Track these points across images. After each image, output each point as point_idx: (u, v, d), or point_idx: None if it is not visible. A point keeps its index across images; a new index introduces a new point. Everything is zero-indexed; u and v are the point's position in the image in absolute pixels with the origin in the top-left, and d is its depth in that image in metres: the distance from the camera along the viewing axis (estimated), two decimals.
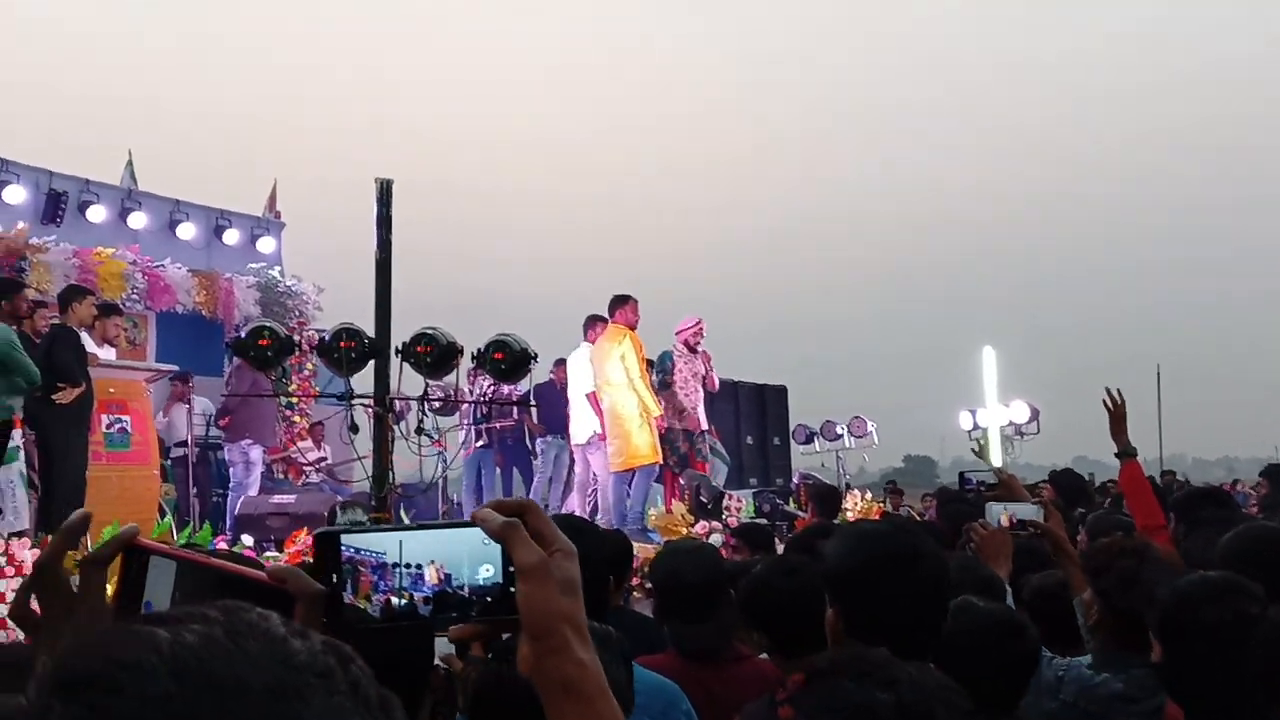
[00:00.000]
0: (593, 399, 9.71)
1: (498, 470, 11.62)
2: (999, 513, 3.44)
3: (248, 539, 7.90)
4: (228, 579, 0.88)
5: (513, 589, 0.89)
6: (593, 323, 9.65)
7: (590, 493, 10.00)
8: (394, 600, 0.91)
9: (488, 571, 0.91)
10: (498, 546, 0.90)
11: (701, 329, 9.88)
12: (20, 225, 10.84)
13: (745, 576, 2.82)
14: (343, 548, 0.90)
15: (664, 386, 9.65)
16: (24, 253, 10.77)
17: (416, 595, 0.91)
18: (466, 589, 0.91)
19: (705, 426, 10.12)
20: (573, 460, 11.06)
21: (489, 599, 0.91)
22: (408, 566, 0.91)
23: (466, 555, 0.92)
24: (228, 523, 9.47)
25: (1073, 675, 2.80)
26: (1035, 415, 19.30)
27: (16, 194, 11.52)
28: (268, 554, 7.80)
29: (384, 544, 0.91)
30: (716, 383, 10.38)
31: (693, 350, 9.82)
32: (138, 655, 0.60)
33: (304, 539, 7.79)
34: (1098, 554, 3.09)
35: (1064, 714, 2.69)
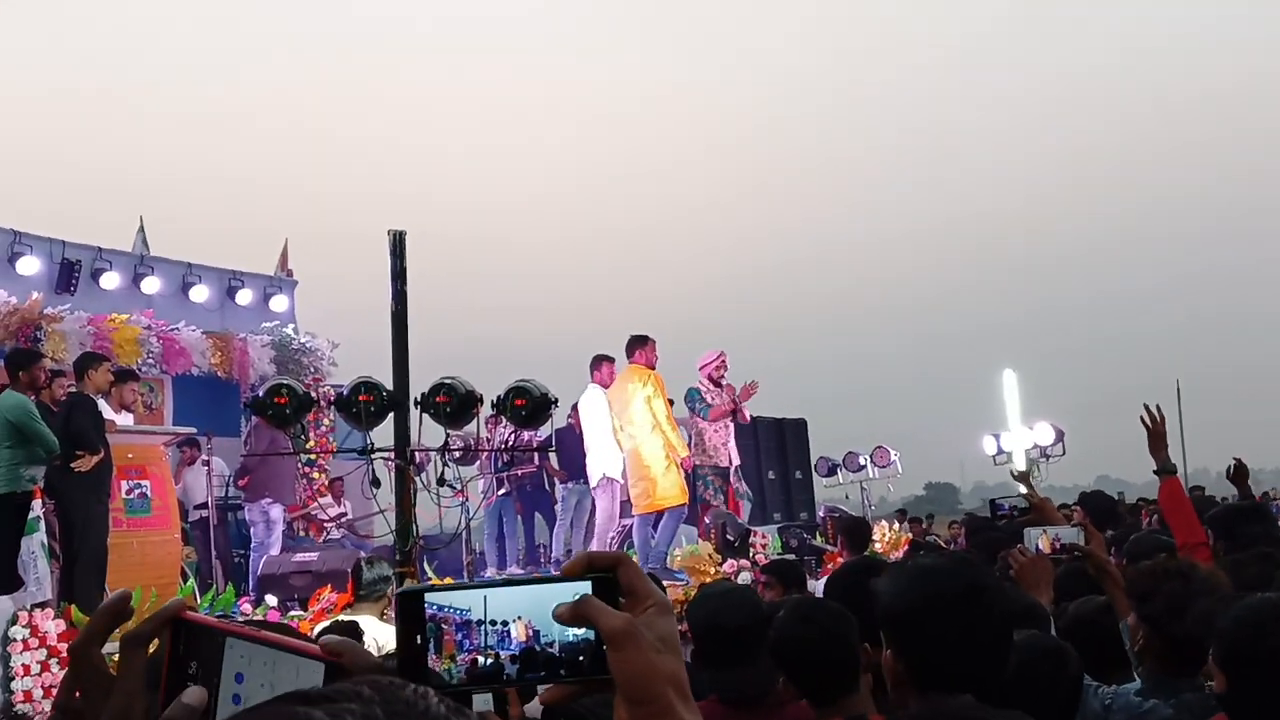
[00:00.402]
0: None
1: (519, 517, 11.54)
2: (1037, 537, 3.36)
3: (271, 599, 7.84)
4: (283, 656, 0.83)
5: (605, 646, 0.84)
6: (598, 363, 9.57)
7: (611, 537, 9.91)
8: (479, 660, 0.86)
9: (580, 629, 0.86)
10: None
11: (724, 362, 9.80)
12: (35, 295, 10.89)
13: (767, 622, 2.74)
14: (427, 606, 0.86)
15: (705, 420, 9.64)
16: (39, 323, 10.81)
17: (503, 654, 0.86)
18: (556, 646, 0.86)
19: (737, 461, 10.01)
20: (593, 505, 11.00)
21: (581, 658, 0.86)
22: (493, 624, 0.86)
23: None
24: (250, 583, 9.42)
25: (1120, 703, 2.71)
26: (1060, 437, 19.13)
27: (30, 265, 11.57)
28: (292, 613, 7.74)
29: (469, 601, 0.86)
30: (748, 415, 10.28)
31: (717, 384, 9.75)
32: None
33: (328, 596, 7.73)
34: (1142, 578, 3.01)
35: None
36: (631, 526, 10.57)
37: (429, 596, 0.86)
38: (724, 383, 9.79)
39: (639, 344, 9.13)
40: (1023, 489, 4.91)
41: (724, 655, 2.76)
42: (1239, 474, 5.71)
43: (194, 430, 10.20)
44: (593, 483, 9.50)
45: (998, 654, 1.84)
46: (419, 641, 0.85)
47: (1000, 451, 20.06)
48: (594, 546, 9.46)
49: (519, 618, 0.86)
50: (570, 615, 0.84)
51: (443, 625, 0.86)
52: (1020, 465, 19.60)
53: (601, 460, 9.34)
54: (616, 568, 0.87)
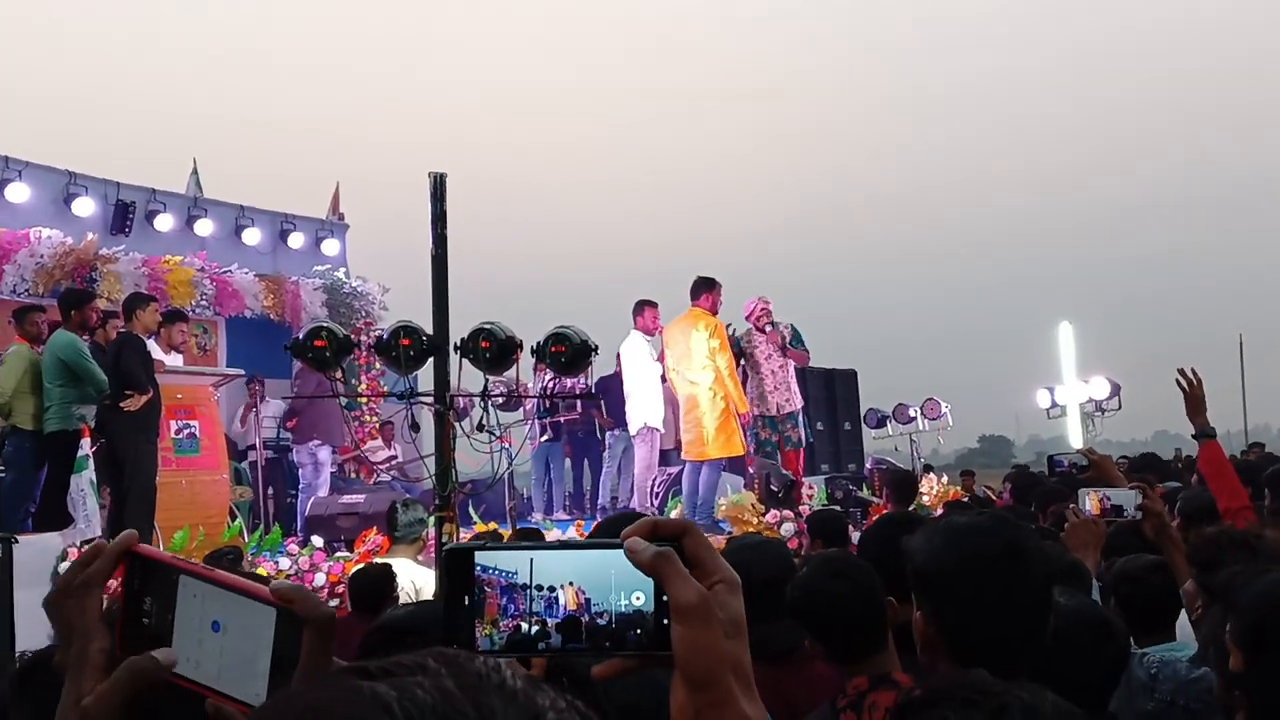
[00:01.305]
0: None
1: (567, 462, 11.58)
2: (1087, 496, 3.26)
3: (318, 540, 7.93)
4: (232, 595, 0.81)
5: (666, 621, 0.78)
6: (641, 308, 9.44)
7: (654, 488, 9.88)
8: (522, 626, 0.80)
9: (638, 599, 0.80)
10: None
11: (768, 309, 9.61)
12: (90, 236, 11.02)
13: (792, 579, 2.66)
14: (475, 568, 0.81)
15: (753, 371, 9.47)
16: (94, 263, 10.97)
17: (549, 621, 0.80)
18: (608, 616, 0.80)
19: (799, 405, 9.75)
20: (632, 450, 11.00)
21: (638, 630, 0.80)
22: (539, 589, 0.80)
23: (614, 579, 0.80)
24: (298, 524, 9.54)
25: (1168, 672, 2.63)
26: (1116, 391, 18.82)
27: (86, 206, 11.70)
28: (338, 554, 7.83)
29: (515, 563, 0.81)
30: (808, 358, 10.07)
31: (761, 331, 9.58)
32: (365, 717, 0.52)
33: (374, 538, 7.80)
34: (1206, 545, 2.91)
35: (1164, 714, 2.52)
36: (674, 475, 10.55)
37: (479, 557, 0.81)
38: (768, 328, 9.62)
39: (706, 287, 8.91)
40: (1078, 446, 4.79)
41: (753, 609, 2.70)
42: None
43: (242, 372, 10.30)
44: (632, 430, 9.45)
45: (1036, 618, 1.75)
46: (467, 603, 0.80)
47: (1054, 405, 19.82)
48: (635, 498, 9.44)
49: (570, 583, 0.80)
50: (647, 562, 0.78)
51: (486, 588, 0.81)
52: (1075, 419, 19.34)
53: (643, 408, 9.28)
54: (682, 537, 0.80)
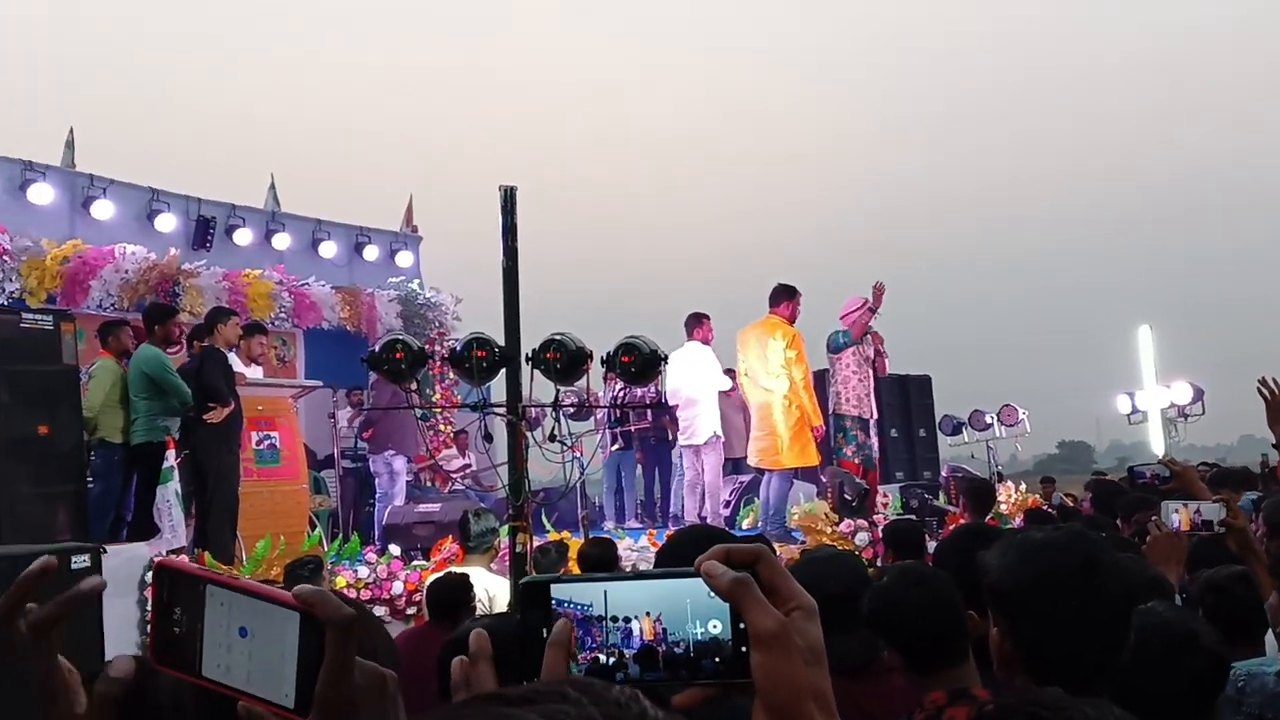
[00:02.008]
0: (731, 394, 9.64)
1: (639, 470, 11.61)
2: (1175, 510, 3.18)
3: (395, 548, 8.04)
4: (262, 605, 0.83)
5: (743, 648, 0.78)
6: (697, 321, 9.45)
7: (726, 499, 9.85)
8: (600, 658, 0.81)
9: (715, 627, 0.80)
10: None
11: (869, 307, 9.36)
12: (172, 252, 11.31)
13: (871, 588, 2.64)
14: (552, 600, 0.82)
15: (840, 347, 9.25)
16: (177, 278, 11.25)
17: (626, 652, 0.81)
18: (686, 645, 0.80)
19: (875, 415, 9.54)
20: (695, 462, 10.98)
21: (715, 658, 0.80)
22: (614, 620, 0.81)
23: (690, 607, 0.81)
24: (376, 533, 9.68)
25: (1255, 685, 2.57)
26: (1199, 396, 18.38)
27: (168, 222, 12.00)
28: (415, 562, 7.93)
29: (589, 595, 0.82)
30: (887, 367, 9.91)
31: (862, 332, 9.33)
32: None
33: (450, 547, 7.88)
34: None
35: None
36: (745, 483, 10.52)
37: (555, 590, 0.82)
38: (870, 330, 9.46)
39: (786, 296, 8.84)
40: (1160, 452, 4.70)
41: (827, 622, 2.69)
42: None
43: (320, 383, 10.50)
44: (701, 439, 9.41)
45: (1114, 634, 1.72)
46: (544, 637, 0.81)
47: (1135, 410, 19.41)
48: (708, 507, 9.44)
49: (646, 614, 0.81)
50: (725, 588, 0.78)
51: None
52: (1157, 424, 18.91)
53: (709, 417, 9.28)
54: (756, 563, 0.80)
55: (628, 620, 0.81)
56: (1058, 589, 1.70)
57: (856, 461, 9.21)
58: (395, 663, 1.30)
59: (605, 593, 0.81)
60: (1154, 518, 3.22)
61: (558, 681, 0.61)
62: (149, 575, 6.62)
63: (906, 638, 2.44)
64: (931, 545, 6.26)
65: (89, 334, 9.57)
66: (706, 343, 9.37)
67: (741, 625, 0.79)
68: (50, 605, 0.85)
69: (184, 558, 6.82)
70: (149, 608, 6.10)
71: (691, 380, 9.31)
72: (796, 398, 8.66)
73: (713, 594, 0.79)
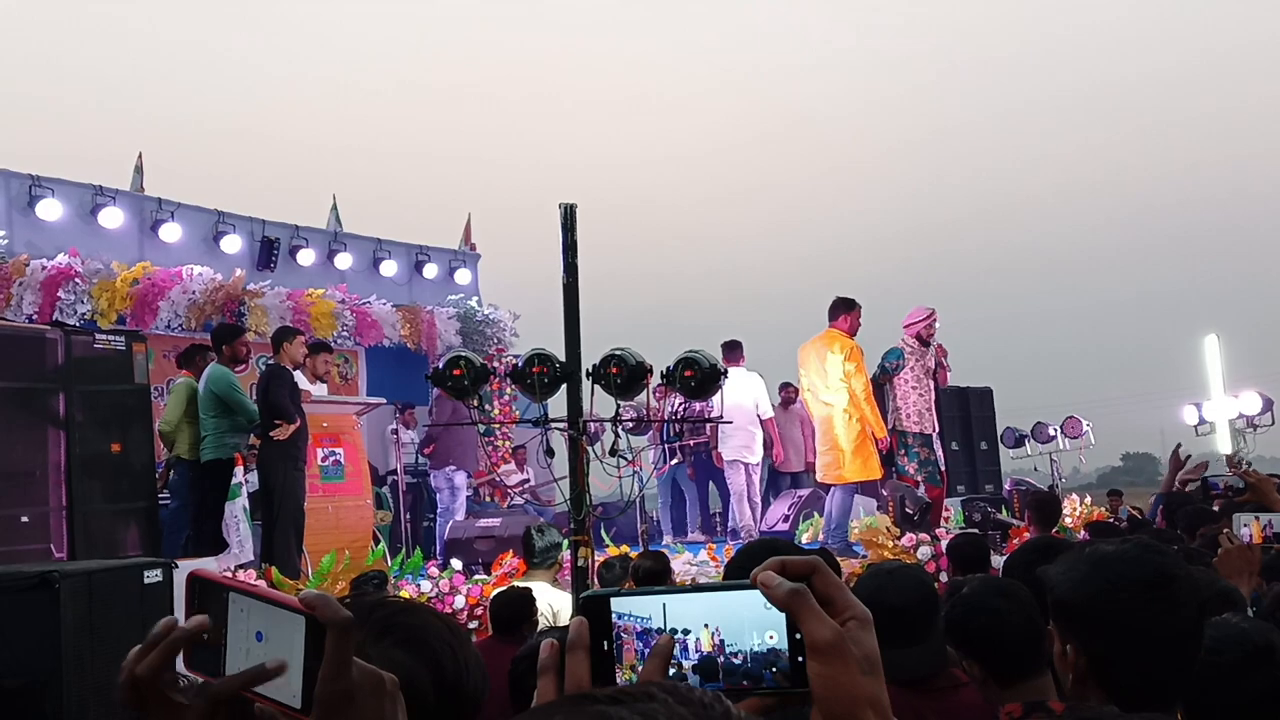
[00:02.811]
0: (770, 424, 10.13)
1: (694, 484, 11.62)
2: (1247, 523, 3.13)
3: (457, 563, 8.11)
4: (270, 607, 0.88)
5: (800, 659, 0.80)
6: (733, 348, 9.90)
7: (790, 505, 9.86)
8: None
9: (772, 638, 0.81)
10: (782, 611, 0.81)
11: (934, 320, 9.27)
12: (238, 273, 11.54)
13: (953, 597, 2.64)
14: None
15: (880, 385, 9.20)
16: (242, 298, 11.47)
17: (685, 664, 0.82)
18: (744, 656, 0.82)
19: (936, 429, 9.45)
20: (774, 475, 11.01)
21: (773, 668, 0.81)
22: (673, 632, 0.82)
23: (747, 619, 0.82)
24: (438, 547, 9.78)
25: None
26: (1269, 405, 17.96)
27: (233, 243, 12.25)
28: (476, 577, 7.99)
29: (648, 608, 0.83)
30: (948, 378, 9.84)
31: (924, 344, 9.26)
32: None
33: (510, 561, 7.94)
34: None
35: None
36: (805, 498, 10.49)
37: (615, 604, 0.84)
38: (933, 342, 9.37)
39: (844, 308, 8.79)
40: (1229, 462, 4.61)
41: (892, 635, 2.68)
42: None
43: (384, 401, 10.63)
44: (728, 458, 9.92)
45: (1187, 649, 1.71)
46: (605, 648, 0.83)
47: (1202, 421, 19.00)
48: (755, 522, 9.52)
49: (705, 626, 0.82)
50: (782, 599, 0.79)
51: (623, 634, 0.83)
52: (1224, 435, 18.54)
53: (743, 441, 9.81)
54: (811, 575, 0.81)
55: (687, 632, 0.82)
56: (1129, 602, 1.68)
57: (920, 478, 9.13)
58: (484, 676, 1.34)
59: (664, 606, 0.83)
60: (1225, 530, 3.17)
61: (644, 684, 0.63)
62: None
63: (987, 648, 2.43)
64: (996, 560, 6.20)
65: (157, 354, 9.79)
66: (737, 365, 9.74)
67: (798, 636, 0.80)
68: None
69: (215, 568, 6.96)
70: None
71: (738, 403, 9.50)
72: (857, 410, 8.60)
73: (769, 605, 0.80)
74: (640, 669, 0.81)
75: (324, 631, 0.85)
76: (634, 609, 0.83)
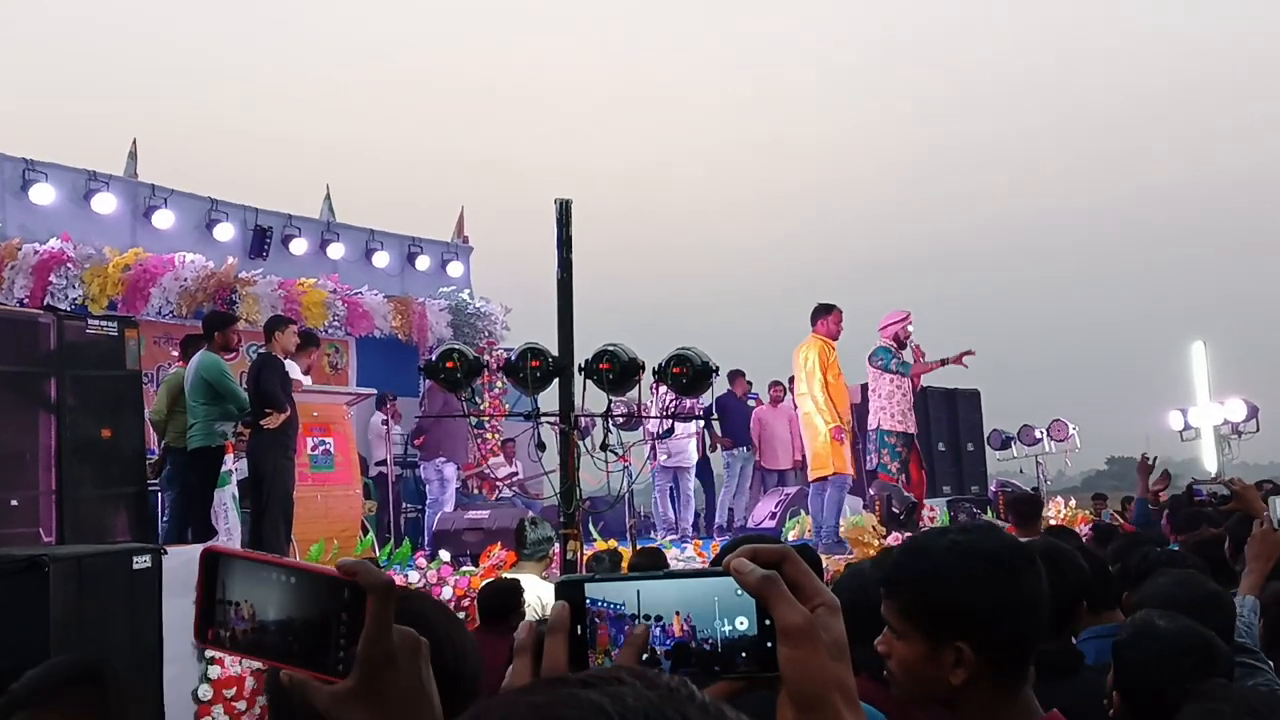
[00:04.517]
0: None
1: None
2: None
3: (445, 554, 8.13)
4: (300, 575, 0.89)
5: (769, 644, 0.81)
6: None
7: (778, 502, 9.92)
8: None
9: (742, 624, 0.83)
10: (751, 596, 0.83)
11: (909, 321, 9.39)
12: (230, 261, 11.53)
13: None
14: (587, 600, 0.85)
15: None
16: (234, 286, 11.46)
17: (658, 649, 0.83)
18: (715, 642, 0.83)
19: (915, 429, 9.55)
20: (762, 472, 11.07)
21: (743, 653, 0.82)
22: (646, 618, 0.84)
23: (717, 605, 0.83)
24: (426, 538, 9.79)
25: None
26: (1254, 413, 18.09)
27: (226, 231, 12.23)
28: (464, 568, 8.02)
29: (622, 594, 0.85)
30: (921, 381, 9.90)
31: (901, 346, 9.40)
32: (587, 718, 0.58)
33: (499, 553, 7.96)
34: None
35: None
36: (792, 496, 10.56)
37: (589, 589, 0.85)
38: (910, 343, 9.44)
39: (821, 313, 9.02)
40: (1213, 470, 4.70)
41: (869, 631, 2.71)
42: None
43: (374, 391, 10.64)
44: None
45: (1036, 616, 1.65)
46: (579, 633, 0.84)
47: (1187, 427, 19.15)
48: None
49: (677, 612, 0.83)
50: (754, 585, 0.80)
51: (597, 620, 0.84)
52: (1209, 442, 18.65)
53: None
54: (782, 563, 0.82)
55: (660, 618, 0.83)
56: (988, 583, 1.64)
57: (901, 477, 9.21)
58: (480, 662, 1.37)
59: (638, 592, 0.84)
60: (1265, 514, 3.25)
61: (615, 668, 0.64)
62: None
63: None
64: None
65: (149, 341, 9.79)
66: None
67: (768, 621, 0.81)
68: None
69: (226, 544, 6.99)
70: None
71: None
72: (813, 402, 8.77)
73: (740, 591, 0.82)
74: (614, 654, 0.83)
75: (363, 595, 0.87)
76: (608, 595, 0.84)
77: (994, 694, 1.63)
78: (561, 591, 0.86)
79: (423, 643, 0.93)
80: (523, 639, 0.84)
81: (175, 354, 9.20)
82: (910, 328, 9.40)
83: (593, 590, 0.85)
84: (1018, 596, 1.64)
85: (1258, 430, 18.18)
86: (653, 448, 10.47)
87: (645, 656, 0.82)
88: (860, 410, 9.80)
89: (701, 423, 10.48)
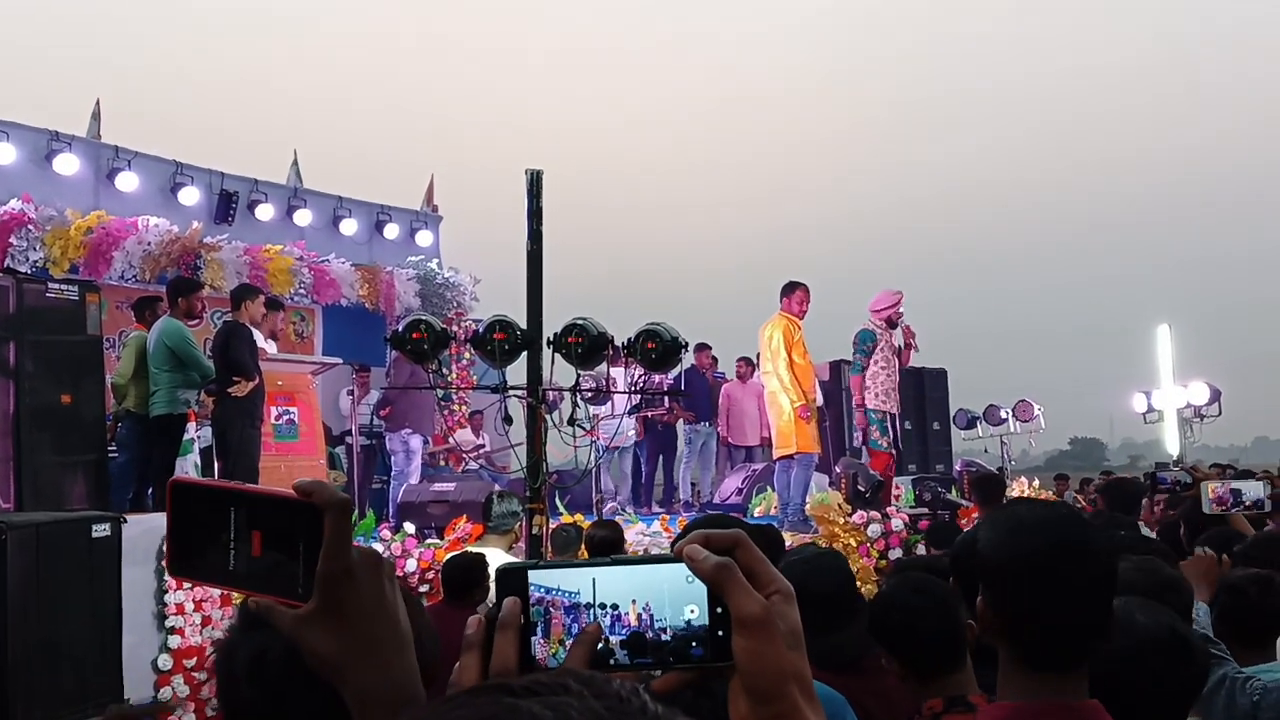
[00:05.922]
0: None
1: (647, 457, 11.72)
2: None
3: (409, 526, 8.10)
4: (260, 499, 0.89)
5: (720, 632, 0.79)
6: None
7: (745, 478, 9.95)
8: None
9: (693, 612, 0.80)
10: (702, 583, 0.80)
11: (901, 302, 9.33)
12: (195, 225, 11.35)
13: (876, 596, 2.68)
14: (531, 587, 0.82)
15: (859, 370, 9.24)
16: (199, 251, 11.29)
17: (613, 639, 0.81)
18: (669, 632, 0.80)
19: (899, 409, 9.54)
20: (729, 448, 11.08)
21: (695, 644, 0.80)
22: (602, 607, 0.81)
23: (669, 594, 0.81)
24: (390, 510, 9.75)
25: (1270, 700, 2.59)
26: (1216, 397, 18.31)
27: (191, 195, 12.05)
28: (429, 541, 8.00)
29: (576, 582, 0.82)
30: (911, 357, 9.85)
31: (892, 326, 9.33)
32: None
33: (464, 526, 7.95)
34: None
35: None
36: (759, 472, 10.59)
37: (534, 576, 0.82)
38: (900, 323, 9.42)
39: (786, 291, 9.03)
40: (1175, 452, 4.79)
41: (818, 622, 2.70)
42: None
43: (339, 360, 10.55)
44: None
45: (1092, 618, 1.71)
46: (523, 623, 0.81)
47: (1151, 409, 19.36)
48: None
49: (633, 601, 0.81)
50: (708, 573, 0.78)
51: (550, 609, 0.82)
52: (1172, 424, 18.87)
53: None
54: (734, 549, 0.79)
55: (615, 607, 0.81)
56: (1040, 560, 1.70)
57: (892, 453, 9.28)
58: (435, 642, 1.34)
59: (594, 580, 0.82)
60: (1200, 549, 3.31)
61: (560, 672, 0.62)
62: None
63: (904, 645, 2.45)
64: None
65: (111, 305, 9.64)
66: None
67: (719, 610, 0.79)
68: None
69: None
70: (171, 579, 6.17)
71: None
72: (778, 380, 8.79)
73: (691, 579, 0.79)
74: (568, 644, 0.80)
75: (319, 516, 0.86)
76: (563, 583, 0.82)
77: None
78: (503, 579, 0.83)
79: (385, 560, 0.92)
80: (470, 635, 0.81)
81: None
82: (901, 309, 9.41)
83: (548, 578, 0.82)
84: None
85: (1220, 414, 18.42)
86: (621, 423, 10.47)
87: (600, 646, 0.80)
88: (832, 387, 9.80)
89: (637, 399, 10.42)
